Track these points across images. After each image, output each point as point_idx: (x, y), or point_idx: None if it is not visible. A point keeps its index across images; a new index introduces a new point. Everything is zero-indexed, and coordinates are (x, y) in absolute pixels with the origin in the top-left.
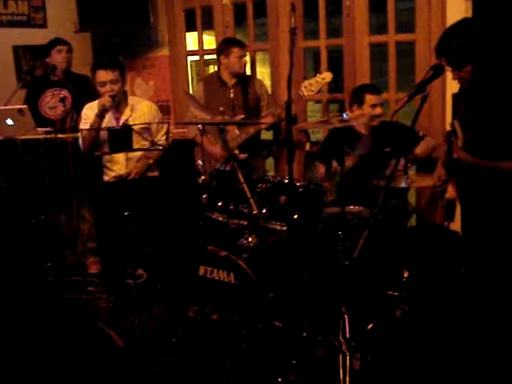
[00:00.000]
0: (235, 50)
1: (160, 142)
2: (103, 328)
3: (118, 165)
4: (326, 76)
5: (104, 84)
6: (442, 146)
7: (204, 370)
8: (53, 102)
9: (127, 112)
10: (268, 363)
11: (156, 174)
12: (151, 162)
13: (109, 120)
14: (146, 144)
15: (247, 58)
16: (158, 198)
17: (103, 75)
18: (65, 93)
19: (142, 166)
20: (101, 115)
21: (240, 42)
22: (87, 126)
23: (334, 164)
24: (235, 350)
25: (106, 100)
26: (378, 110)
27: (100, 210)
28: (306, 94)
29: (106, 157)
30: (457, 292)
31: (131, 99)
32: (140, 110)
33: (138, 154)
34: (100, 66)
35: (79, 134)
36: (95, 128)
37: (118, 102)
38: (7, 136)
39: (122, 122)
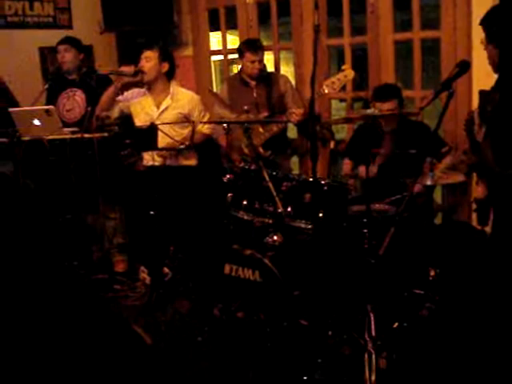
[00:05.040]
0: (247, 55)
1: (203, 131)
2: (132, 326)
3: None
4: (348, 73)
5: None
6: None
7: (229, 367)
8: (69, 104)
9: (167, 100)
10: (293, 362)
11: (193, 162)
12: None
13: (148, 106)
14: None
15: (272, 57)
16: (193, 188)
17: (143, 53)
18: (79, 93)
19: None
20: (121, 87)
21: (255, 46)
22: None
23: (361, 169)
24: (260, 349)
25: (128, 68)
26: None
27: (131, 203)
28: (328, 92)
29: None
30: (484, 290)
31: (173, 88)
32: (181, 100)
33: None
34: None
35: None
36: (111, 97)
37: (155, 87)
38: (34, 136)
39: (162, 108)
